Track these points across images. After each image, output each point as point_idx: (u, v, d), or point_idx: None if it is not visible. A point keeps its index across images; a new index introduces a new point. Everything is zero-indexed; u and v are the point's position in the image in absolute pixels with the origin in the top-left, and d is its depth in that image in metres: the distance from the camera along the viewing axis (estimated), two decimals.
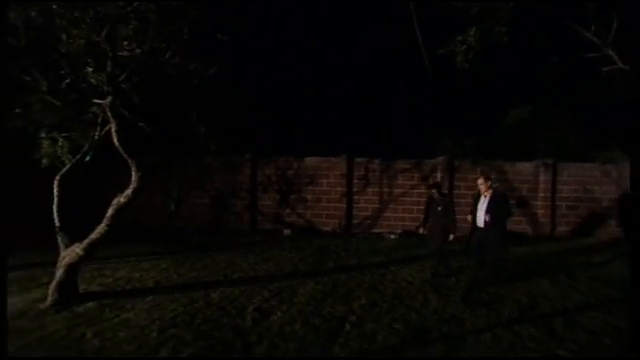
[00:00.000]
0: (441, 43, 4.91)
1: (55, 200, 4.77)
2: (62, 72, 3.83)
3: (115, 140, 3.96)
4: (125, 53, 3.87)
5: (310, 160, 10.18)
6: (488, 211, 5.08)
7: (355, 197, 10.03)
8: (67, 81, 4.26)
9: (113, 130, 3.92)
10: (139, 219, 9.35)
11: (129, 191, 4.09)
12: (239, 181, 10.26)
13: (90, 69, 4.22)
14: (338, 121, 11.19)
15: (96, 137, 4.85)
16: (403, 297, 4.78)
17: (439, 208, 5.66)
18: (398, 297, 4.78)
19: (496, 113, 12.52)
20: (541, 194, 9.10)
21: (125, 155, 4.03)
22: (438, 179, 9.78)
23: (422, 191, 9.83)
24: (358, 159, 10.09)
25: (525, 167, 9.35)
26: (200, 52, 4.30)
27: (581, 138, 10.53)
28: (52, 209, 4.70)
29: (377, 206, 10.02)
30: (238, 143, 9.80)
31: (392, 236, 9.48)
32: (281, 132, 10.55)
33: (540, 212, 9.09)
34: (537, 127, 11.28)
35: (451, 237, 5.50)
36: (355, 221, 10.00)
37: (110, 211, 4.25)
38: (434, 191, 5.90)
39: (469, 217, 5.49)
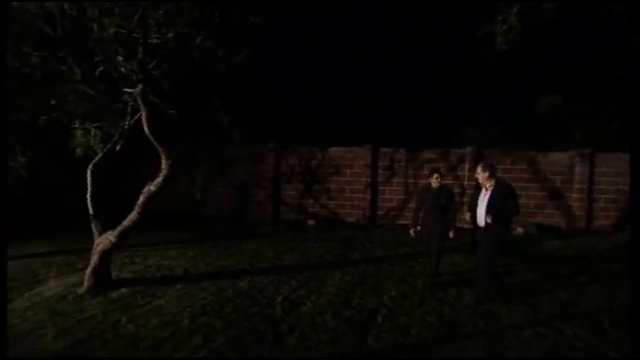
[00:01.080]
0: (477, 26, 4.68)
1: (89, 189, 4.89)
2: (95, 60, 3.87)
3: (145, 128, 3.99)
4: (155, 40, 3.87)
5: (334, 150, 10.08)
6: (490, 207, 4.15)
7: (380, 188, 9.89)
8: (100, 69, 4.31)
9: (144, 118, 3.95)
10: (164, 207, 9.53)
11: (159, 179, 4.13)
12: (262, 171, 10.29)
13: (120, 58, 4.25)
14: (363, 110, 11.01)
15: (126, 126, 4.92)
16: (434, 290, 4.68)
17: (440, 200, 4.84)
18: (429, 290, 4.68)
19: (526, 100, 12.02)
20: (576, 186, 8.70)
21: (155, 143, 4.06)
22: (466, 170, 9.51)
23: (450, 182, 9.58)
24: (383, 149, 9.92)
25: (559, 158, 8.95)
26: (228, 38, 4.26)
27: (622, 127, 9.97)
28: (86, 197, 4.82)
29: (402, 197, 9.85)
30: (262, 133, 9.82)
31: (418, 227, 9.31)
32: (305, 121, 10.48)
33: (575, 205, 8.71)
34: (572, 115, 10.75)
35: (451, 234, 4.78)
36: (380, 212, 9.87)
37: (141, 199, 4.32)
38: (434, 178, 4.98)
39: (467, 215, 4.68)
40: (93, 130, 4.83)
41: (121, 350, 3.17)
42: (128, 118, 4.87)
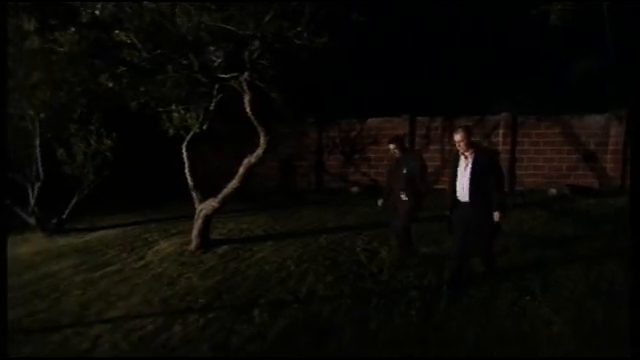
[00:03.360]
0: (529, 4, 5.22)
1: (186, 164, 5.83)
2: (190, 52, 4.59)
3: (248, 109, 4.82)
4: (249, 32, 4.55)
5: (372, 121, 10.80)
6: (473, 179, 3.73)
7: None
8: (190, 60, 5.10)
9: (247, 101, 4.77)
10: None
11: (259, 151, 5.00)
12: (306, 144, 11.12)
13: (212, 48, 5.01)
14: (400, 81, 11.54)
15: (211, 108, 5.77)
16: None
17: (403, 170, 4.48)
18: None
19: (558, 65, 12.28)
20: (611, 147, 9.27)
21: (255, 122, 4.90)
22: (500, 136, 10.13)
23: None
24: (419, 118, 10.58)
25: (595, 120, 9.48)
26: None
27: None
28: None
29: (439, 164, 10.59)
30: (304, 109, 10.56)
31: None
32: (344, 95, 11.12)
33: (609, 166, 9.32)
34: (607, 78, 11.07)
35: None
36: None
37: (241, 170, 5.22)
38: (393, 147, 4.67)
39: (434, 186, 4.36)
40: (188, 113, 5.68)
41: (257, 285, 4.17)
42: (213, 101, 5.72)
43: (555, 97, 11.64)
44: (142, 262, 5.14)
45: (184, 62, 4.64)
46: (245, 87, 4.66)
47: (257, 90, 4.69)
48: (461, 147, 3.83)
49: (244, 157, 5.28)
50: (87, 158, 7.11)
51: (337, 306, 3.64)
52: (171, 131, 6.06)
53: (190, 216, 5.86)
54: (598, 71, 11.12)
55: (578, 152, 9.60)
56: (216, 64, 4.58)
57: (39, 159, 6.03)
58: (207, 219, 5.60)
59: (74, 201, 7.18)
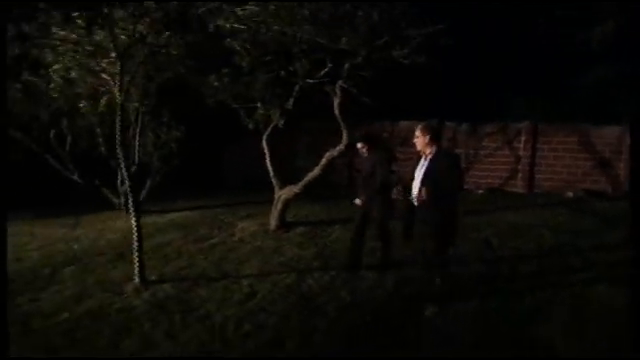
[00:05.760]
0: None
1: (267, 154, 6.80)
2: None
3: (336, 110, 5.82)
4: (363, 53, 5.38)
5: (403, 123, 11.84)
6: (425, 180, 3.52)
7: None
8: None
9: (336, 104, 5.77)
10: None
11: (341, 146, 6.00)
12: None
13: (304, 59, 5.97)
14: (429, 88, 12.63)
15: (289, 107, 6.74)
16: (522, 230, 6.44)
17: (369, 170, 4.49)
18: (517, 229, 6.46)
19: (571, 73, 13.28)
20: (625, 155, 10.42)
21: (340, 120, 5.89)
22: (522, 142, 11.24)
23: (506, 152, 11.39)
24: (448, 123, 11.66)
25: (611, 130, 10.60)
26: None
27: None
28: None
29: (464, 166, 11.68)
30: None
31: (480, 191, 11.21)
32: (376, 99, 12.13)
33: (622, 173, 10.47)
34: (622, 88, 12.02)
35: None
36: None
37: (324, 160, 6.21)
38: (361, 146, 4.70)
39: (399, 187, 4.11)
40: (272, 109, 6.64)
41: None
42: (291, 100, 6.69)
43: (574, 106, 12.77)
44: (236, 237, 6.10)
45: (290, 68, 5.60)
46: (338, 92, 5.65)
47: (348, 94, 5.68)
48: (418, 145, 3.68)
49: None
50: (156, 148, 8.04)
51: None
52: (250, 126, 7.01)
53: (246, 202, 6.83)
54: (616, 80, 12.16)
55: (594, 159, 10.74)
56: (322, 73, 5.56)
57: (137, 146, 6.94)
58: (287, 203, 6.57)
59: (148, 185, 8.11)
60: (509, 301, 3.73)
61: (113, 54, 4.43)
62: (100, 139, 7.55)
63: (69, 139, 7.00)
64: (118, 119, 4.49)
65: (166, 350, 2.99)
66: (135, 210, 4.34)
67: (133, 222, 4.28)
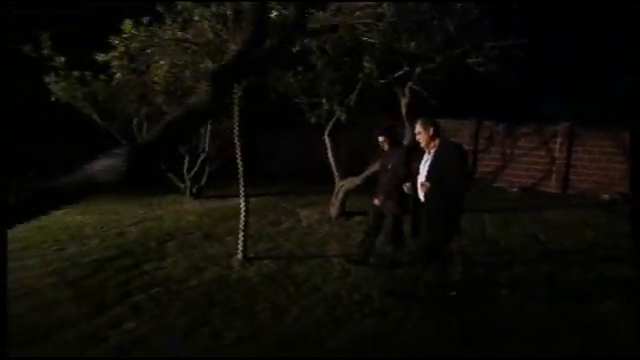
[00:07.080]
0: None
1: (329, 147, 7.35)
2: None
3: (403, 110, 6.33)
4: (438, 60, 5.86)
5: (444, 122, 12.25)
6: (430, 175, 3.52)
7: (480, 155, 12.16)
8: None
9: (404, 104, 6.28)
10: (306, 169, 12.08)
11: (405, 141, 6.50)
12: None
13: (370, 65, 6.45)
14: (469, 88, 13.04)
15: (351, 104, 7.26)
16: (565, 228, 6.92)
17: (389, 165, 4.47)
18: (559, 227, 6.94)
19: (602, 78, 13.56)
20: None
21: (405, 119, 6.41)
22: (557, 143, 11.61)
23: (541, 153, 11.79)
24: (485, 122, 12.07)
25: None
26: None
27: None
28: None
29: (499, 164, 12.11)
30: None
31: (514, 189, 11.65)
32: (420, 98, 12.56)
33: None
34: None
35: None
36: (476, 176, 12.19)
37: None
38: (382, 140, 4.66)
39: (407, 184, 4.07)
40: (336, 105, 7.16)
41: None
42: (353, 96, 7.20)
43: (609, 109, 13.06)
44: (303, 224, 6.69)
45: (363, 69, 6.11)
46: (407, 92, 6.16)
47: (416, 95, 6.19)
48: (420, 141, 3.67)
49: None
50: (211, 138, 8.66)
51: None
52: (313, 119, 7.55)
53: (300, 192, 7.26)
54: None
55: (629, 163, 11.09)
56: (396, 75, 6.08)
57: (208, 135, 7.55)
58: (347, 193, 7.13)
59: (207, 172, 8.74)
60: (565, 288, 4.27)
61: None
62: None
63: (145, 126, 7.61)
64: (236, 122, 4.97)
65: (295, 314, 3.56)
66: (244, 195, 4.90)
67: (242, 203, 4.86)
